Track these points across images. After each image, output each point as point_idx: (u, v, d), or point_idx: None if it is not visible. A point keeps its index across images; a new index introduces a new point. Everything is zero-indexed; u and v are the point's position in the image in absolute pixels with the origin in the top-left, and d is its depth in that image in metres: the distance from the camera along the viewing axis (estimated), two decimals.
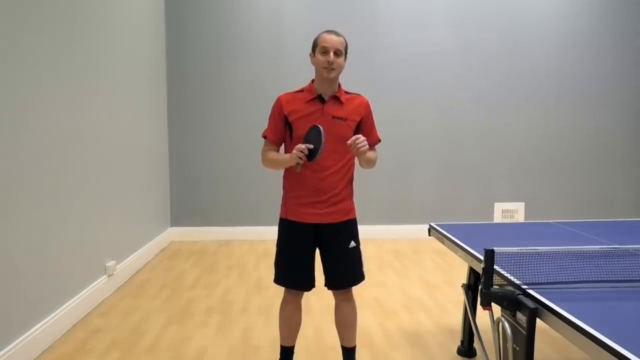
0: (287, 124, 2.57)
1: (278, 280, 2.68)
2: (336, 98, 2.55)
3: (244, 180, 6.09)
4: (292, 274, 2.63)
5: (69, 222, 3.50)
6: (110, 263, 4.16)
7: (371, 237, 5.97)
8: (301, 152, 2.40)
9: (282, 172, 2.67)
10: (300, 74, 6.12)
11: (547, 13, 6.17)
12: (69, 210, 3.49)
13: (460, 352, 3.07)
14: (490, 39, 6.15)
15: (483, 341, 2.60)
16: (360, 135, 2.41)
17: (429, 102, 6.16)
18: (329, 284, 2.64)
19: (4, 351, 2.73)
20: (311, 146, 2.40)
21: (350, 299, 2.66)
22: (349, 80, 6.14)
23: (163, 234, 5.81)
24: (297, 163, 2.44)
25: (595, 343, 1.50)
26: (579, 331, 1.58)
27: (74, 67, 3.58)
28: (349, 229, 2.61)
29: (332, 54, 2.46)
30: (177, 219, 6.15)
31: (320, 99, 2.54)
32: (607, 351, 1.44)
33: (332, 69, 2.48)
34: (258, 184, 6.10)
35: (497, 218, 6.31)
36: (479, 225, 3.32)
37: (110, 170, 4.23)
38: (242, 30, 6.02)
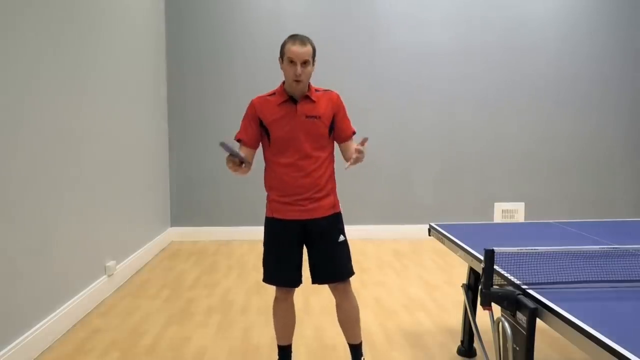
0: (263, 127, 2.60)
1: (267, 279, 2.68)
2: (307, 97, 2.57)
3: (243, 180, 6.03)
4: (280, 271, 2.64)
5: (69, 222, 3.50)
6: (110, 263, 4.16)
7: (371, 237, 5.97)
8: (232, 163, 2.45)
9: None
10: None
11: (547, 15, 6.17)
12: (68, 210, 3.49)
13: (460, 352, 3.07)
14: (491, 40, 6.14)
15: (483, 341, 2.60)
16: (362, 149, 2.45)
17: (429, 103, 6.16)
18: (318, 278, 2.64)
19: (4, 351, 2.73)
20: (241, 155, 2.45)
21: (349, 296, 2.67)
22: (350, 81, 6.16)
23: (163, 234, 5.81)
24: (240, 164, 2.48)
25: (595, 343, 1.49)
26: (579, 331, 1.57)
27: (73, 67, 3.58)
28: (336, 223, 2.64)
29: (299, 66, 2.46)
30: (177, 219, 6.15)
31: (291, 100, 2.57)
32: (607, 351, 1.44)
33: (300, 81, 2.50)
34: (258, 184, 6.03)
35: (497, 218, 6.31)
36: (479, 225, 3.31)
37: (110, 170, 4.23)
38: (242, 30, 6.02)
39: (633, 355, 1.37)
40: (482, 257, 1.99)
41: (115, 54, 4.38)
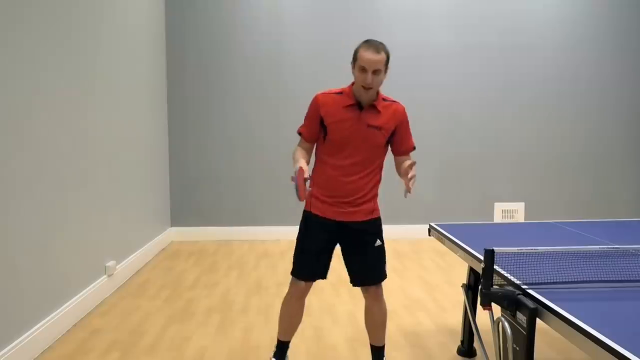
0: (322, 125, 2.58)
1: (294, 272, 2.67)
2: (374, 107, 2.54)
3: (244, 180, 6.09)
4: (309, 264, 2.64)
5: (69, 222, 3.50)
6: (110, 263, 4.16)
7: None
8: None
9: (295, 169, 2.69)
10: (300, 74, 6.15)
11: (547, 15, 6.17)
12: (69, 210, 3.49)
13: (460, 352, 3.07)
14: (491, 39, 6.15)
15: (483, 341, 2.60)
16: (414, 174, 2.42)
17: (429, 102, 6.16)
18: (354, 281, 2.66)
19: (4, 351, 2.73)
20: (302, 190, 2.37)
21: (380, 300, 2.67)
22: (349, 80, 6.14)
23: (163, 234, 5.81)
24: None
25: (595, 343, 1.50)
26: (579, 331, 1.58)
27: (74, 67, 3.58)
28: (374, 227, 2.64)
29: (369, 74, 2.42)
30: (177, 219, 6.15)
31: (358, 105, 2.54)
32: (607, 351, 1.44)
33: (370, 88, 2.47)
34: (258, 184, 6.10)
35: (497, 218, 6.31)
36: (479, 225, 3.31)
37: (110, 170, 4.23)
38: (242, 30, 6.02)
39: (633, 355, 1.37)
40: (482, 257, 2.00)
41: (116, 54, 4.38)
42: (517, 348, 1.87)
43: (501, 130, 6.25)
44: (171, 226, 6.13)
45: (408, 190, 2.40)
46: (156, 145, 5.60)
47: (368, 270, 2.64)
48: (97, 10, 4.00)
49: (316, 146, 2.67)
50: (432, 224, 3.17)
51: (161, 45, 5.82)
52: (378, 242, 2.63)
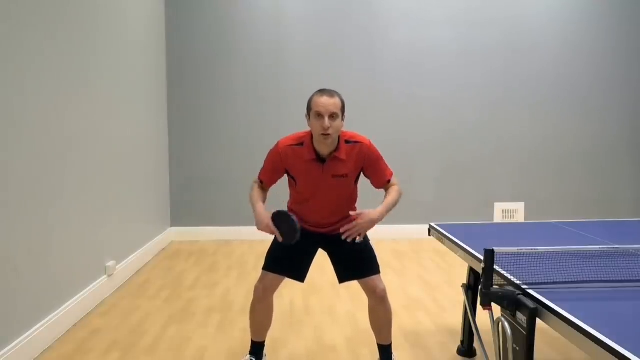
0: (290, 175, 2.62)
1: (265, 264, 2.67)
2: (336, 157, 2.53)
3: (243, 180, 6.05)
4: (278, 258, 2.65)
5: (69, 222, 3.50)
6: (110, 263, 4.16)
7: (371, 237, 5.96)
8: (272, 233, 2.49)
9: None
10: (298, 75, 6.15)
11: (549, 14, 6.17)
12: (69, 210, 3.49)
13: (460, 352, 3.06)
14: (492, 39, 6.14)
15: (483, 341, 2.60)
16: (350, 228, 2.43)
17: (429, 102, 6.15)
18: (340, 278, 2.69)
19: (4, 351, 2.73)
20: (281, 239, 2.49)
21: (385, 301, 2.67)
22: (350, 79, 6.15)
23: (163, 234, 5.81)
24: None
25: (595, 343, 1.49)
26: (579, 331, 1.57)
27: (74, 67, 3.58)
28: None
29: (326, 119, 2.38)
30: (177, 219, 6.15)
31: (319, 159, 2.52)
32: (607, 351, 1.44)
33: (328, 134, 2.41)
34: None
35: (497, 218, 6.31)
36: (479, 225, 3.31)
37: (110, 170, 4.23)
38: (241, 30, 6.02)
39: (633, 355, 1.37)
40: (482, 257, 1.99)
41: (115, 53, 4.38)
42: (517, 348, 1.87)
43: (501, 130, 6.25)
44: (171, 226, 6.13)
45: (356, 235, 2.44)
46: (156, 145, 5.60)
47: (351, 264, 2.65)
48: (97, 10, 4.00)
49: (289, 184, 2.69)
50: (432, 224, 3.17)
51: (161, 45, 5.82)
52: (358, 239, 2.63)
